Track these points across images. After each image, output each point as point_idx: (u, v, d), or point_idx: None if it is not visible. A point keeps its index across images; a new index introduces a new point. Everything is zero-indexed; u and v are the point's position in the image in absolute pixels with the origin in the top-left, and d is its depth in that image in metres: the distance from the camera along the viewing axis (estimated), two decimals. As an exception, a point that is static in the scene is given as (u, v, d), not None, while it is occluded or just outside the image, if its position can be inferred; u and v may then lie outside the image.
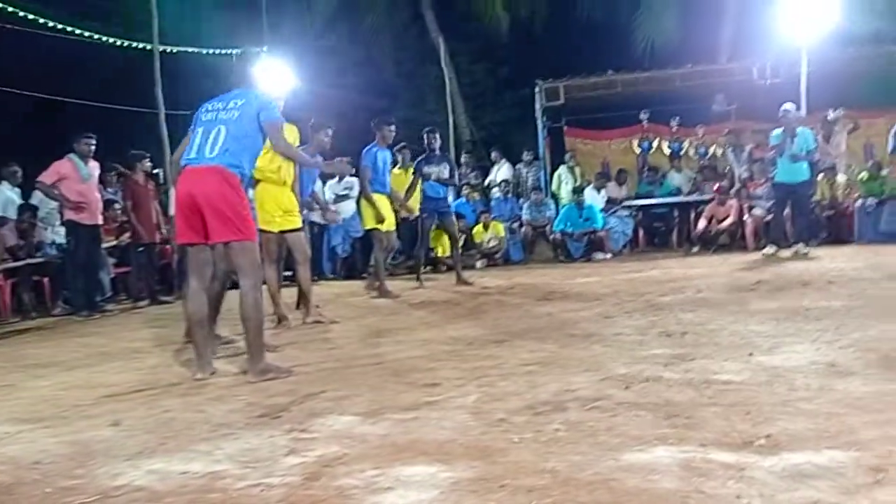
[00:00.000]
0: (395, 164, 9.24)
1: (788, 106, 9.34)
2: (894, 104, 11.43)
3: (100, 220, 8.40)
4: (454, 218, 8.75)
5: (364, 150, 7.73)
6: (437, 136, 8.59)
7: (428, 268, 10.82)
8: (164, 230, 9.25)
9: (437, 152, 8.41)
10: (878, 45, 13.08)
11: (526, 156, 13.48)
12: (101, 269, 8.70)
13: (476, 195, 12.59)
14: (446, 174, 8.33)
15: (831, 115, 11.46)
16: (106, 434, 3.10)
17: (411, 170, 8.86)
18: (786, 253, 9.03)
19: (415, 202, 8.64)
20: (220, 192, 3.93)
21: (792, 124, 9.21)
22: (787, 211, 9.56)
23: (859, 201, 10.30)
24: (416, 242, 8.95)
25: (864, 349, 3.62)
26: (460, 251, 9.04)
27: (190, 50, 13.19)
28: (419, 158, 8.56)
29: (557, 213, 11.93)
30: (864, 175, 10.41)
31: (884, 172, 10.26)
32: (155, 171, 10.18)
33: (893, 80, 12.76)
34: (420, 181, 8.41)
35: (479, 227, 11.48)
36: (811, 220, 10.43)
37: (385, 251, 8.10)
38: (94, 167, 8.35)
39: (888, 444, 2.27)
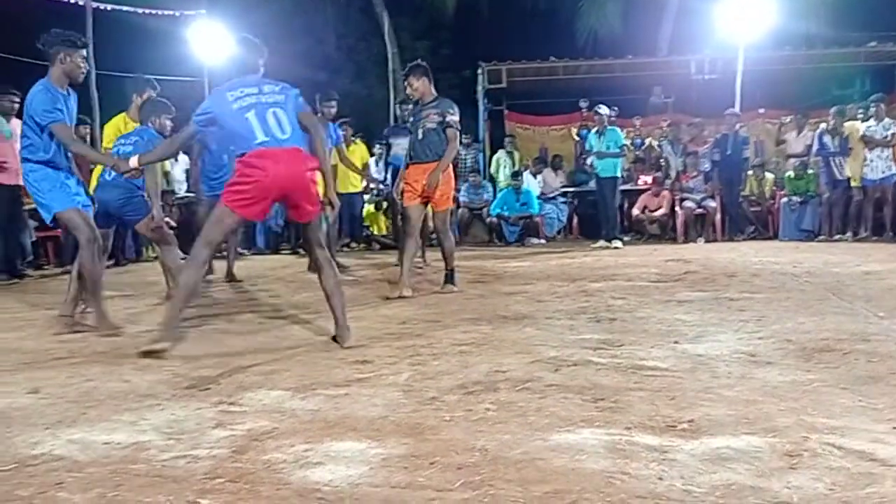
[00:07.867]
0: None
1: (603, 109, 10.23)
2: (823, 105, 11.81)
3: (21, 181, 8.02)
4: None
5: None
6: None
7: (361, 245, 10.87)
8: None
9: None
10: (811, 46, 13.56)
11: (465, 138, 13.47)
12: (22, 232, 8.36)
13: None
14: None
15: (786, 119, 11.96)
16: (24, 402, 3.00)
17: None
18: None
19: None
20: (307, 175, 3.90)
21: (604, 123, 10.09)
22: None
23: (784, 199, 10.66)
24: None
25: (783, 340, 3.77)
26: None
27: (125, 8, 12.67)
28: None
29: (495, 196, 11.98)
30: (790, 174, 10.77)
31: (809, 172, 10.62)
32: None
33: (824, 81, 13.27)
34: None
35: None
36: (738, 214, 10.78)
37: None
38: (16, 125, 7.98)
39: (802, 430, 2.37)
